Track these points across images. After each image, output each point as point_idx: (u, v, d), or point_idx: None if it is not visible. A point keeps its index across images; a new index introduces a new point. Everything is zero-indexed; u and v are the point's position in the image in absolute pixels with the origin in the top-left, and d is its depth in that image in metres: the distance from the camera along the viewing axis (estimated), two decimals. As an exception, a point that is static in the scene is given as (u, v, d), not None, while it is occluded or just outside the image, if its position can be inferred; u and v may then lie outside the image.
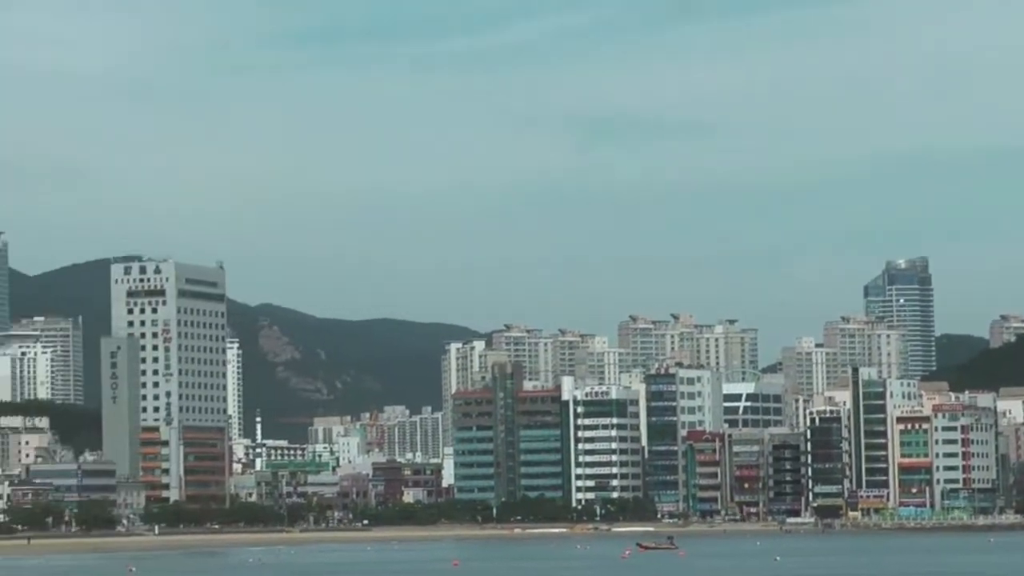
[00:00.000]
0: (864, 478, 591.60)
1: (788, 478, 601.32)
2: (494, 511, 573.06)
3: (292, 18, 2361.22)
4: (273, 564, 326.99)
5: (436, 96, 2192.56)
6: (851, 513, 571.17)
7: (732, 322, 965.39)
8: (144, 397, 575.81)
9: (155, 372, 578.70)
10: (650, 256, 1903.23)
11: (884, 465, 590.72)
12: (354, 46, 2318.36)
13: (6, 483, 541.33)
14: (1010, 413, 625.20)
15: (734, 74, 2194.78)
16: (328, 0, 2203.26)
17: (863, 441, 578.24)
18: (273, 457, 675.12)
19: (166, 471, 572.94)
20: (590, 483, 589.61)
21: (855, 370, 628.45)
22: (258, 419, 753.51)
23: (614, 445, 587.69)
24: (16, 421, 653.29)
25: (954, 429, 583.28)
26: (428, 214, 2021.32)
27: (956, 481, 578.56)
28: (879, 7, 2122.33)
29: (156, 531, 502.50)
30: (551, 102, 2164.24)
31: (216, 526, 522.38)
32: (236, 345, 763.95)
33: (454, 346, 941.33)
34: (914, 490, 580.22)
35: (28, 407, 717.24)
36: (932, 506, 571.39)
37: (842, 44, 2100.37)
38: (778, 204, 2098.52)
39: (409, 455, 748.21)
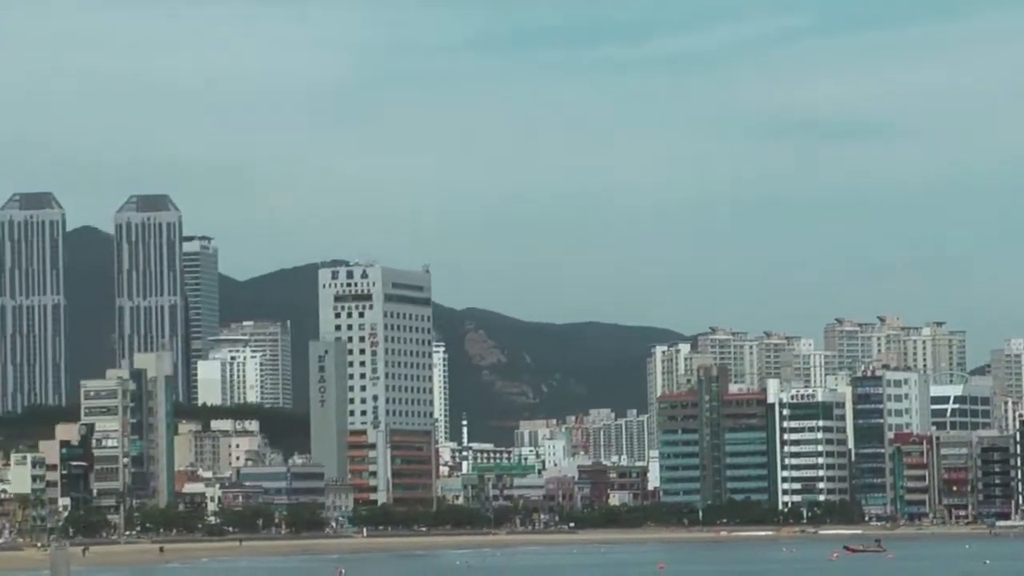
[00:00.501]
0: None
1: (997, 481, 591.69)
2: (700, 514, 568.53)
3: (478, 23, 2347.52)
4: (480, 567, 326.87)
5: (631, 101, 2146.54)
6: None
7: (940, 324, 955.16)
8: (351, 400, 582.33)
9: (362, 376, 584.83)
10: (854, 258, 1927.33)
11: None
12: (543, 52, 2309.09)
13: (217, 485, 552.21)
14: None
15: (936, 77, 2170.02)
16: (512, 6, 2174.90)
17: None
18: (479, 460, 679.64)
19: (373, 474, 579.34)
20: (796, 485, 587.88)
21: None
22: (464, 422, 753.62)
23: (820, 448, 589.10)
24: (226, 424, 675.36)
25: None
26: (633, 219, 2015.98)
27: None
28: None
29: (364, 533, 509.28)
30: (754, 106, 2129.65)
31: (423, 528, 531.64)
32: (442, 349, 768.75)
33: (659, 349, 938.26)
34: None
35: (238, 411, 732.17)
36: None
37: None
38: (984, 205, 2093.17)
39: (614, 458, 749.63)
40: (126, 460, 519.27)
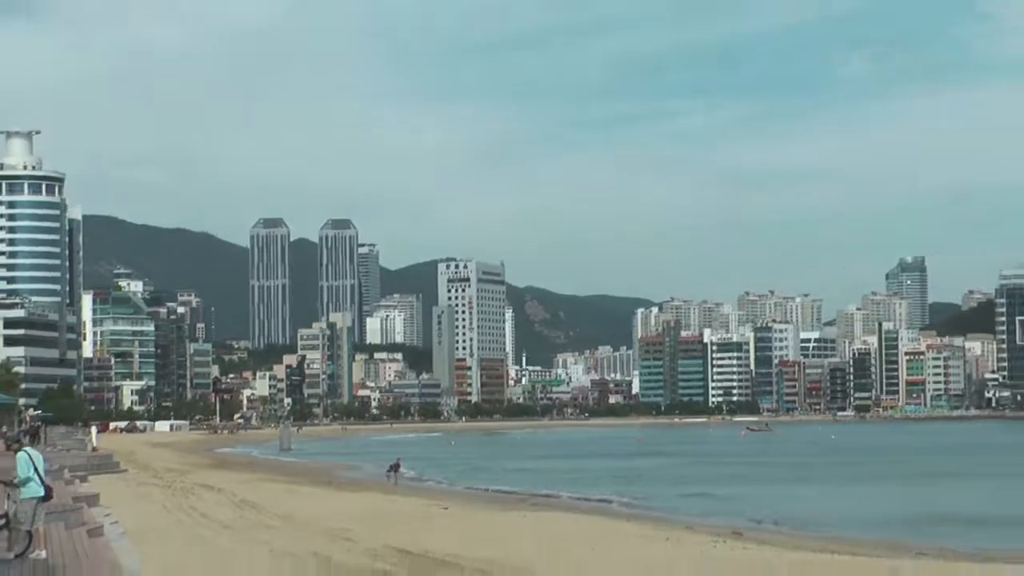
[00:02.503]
0: (885, 388, 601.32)
1: (839, 390, 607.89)
2: (663, 408, 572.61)
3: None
4: (532, 439, 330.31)
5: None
6: (877, 409, 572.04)
7: (806, 295, 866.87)
8: (457, 341, 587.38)
9: (463, 327, 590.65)
10: (764, 259, 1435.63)
11: (896, 380, 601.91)
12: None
13: (377, 391, 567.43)
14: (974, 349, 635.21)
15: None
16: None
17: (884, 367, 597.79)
18: (532, 376, 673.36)
19: (470, 384, 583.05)
20: (720, 391, 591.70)
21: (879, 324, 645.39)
22: (523, 354, 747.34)
23: (735, 369, 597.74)
24: (383, 355, 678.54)
25: (939, 359, 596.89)
26: (635, 237, 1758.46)
27: (940, 390, 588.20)
28: None
29: (464, 420, 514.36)
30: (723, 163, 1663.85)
31: (499, 417, 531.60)
32: (511, 311, 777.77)
33: (640, 311, 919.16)
34: (915, 395, 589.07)
35: (390, 348, 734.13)
36: (925, 405, 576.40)
37: None
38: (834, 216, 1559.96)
39: (612, 375, 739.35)
40: (324, 376, 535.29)
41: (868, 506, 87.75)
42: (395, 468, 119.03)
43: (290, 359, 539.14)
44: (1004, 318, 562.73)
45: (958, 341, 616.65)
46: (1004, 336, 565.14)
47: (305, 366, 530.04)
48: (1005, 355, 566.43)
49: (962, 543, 57.05)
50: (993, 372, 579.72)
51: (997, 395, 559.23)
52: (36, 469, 28.82)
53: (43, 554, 27.69)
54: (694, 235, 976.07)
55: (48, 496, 29.79)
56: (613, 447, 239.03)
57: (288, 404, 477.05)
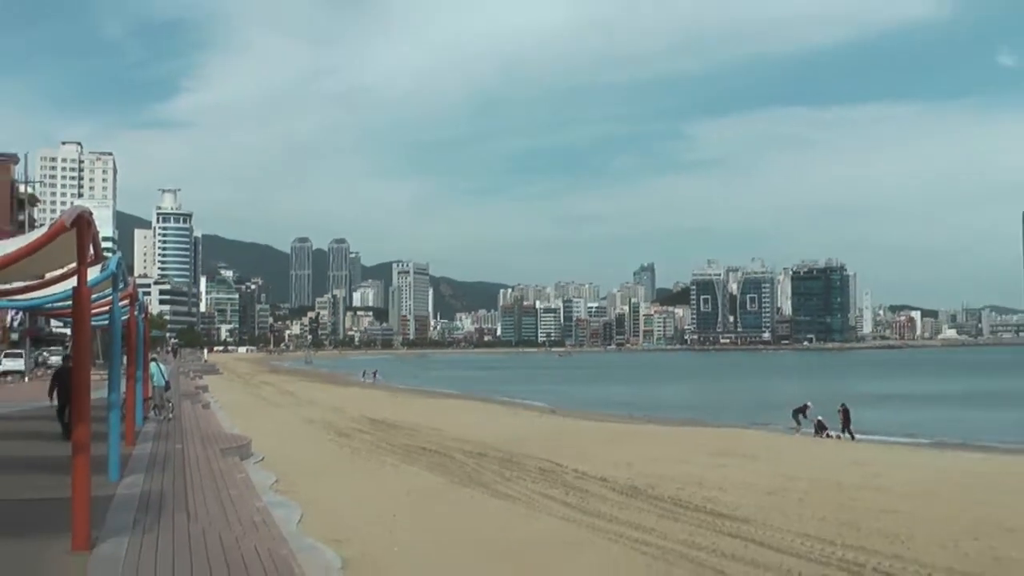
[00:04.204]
0: (632, 333, 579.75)
1: (609, 334, 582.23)
2: (514, 343, 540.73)
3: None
4: (443, 359, 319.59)
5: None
6: (628, 345, 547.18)
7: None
8: (403, 305, 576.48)
9: (406, 298, 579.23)
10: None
11: (639, 330, 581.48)
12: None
13: (358, 333, 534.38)
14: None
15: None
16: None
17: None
18: (442, 326, 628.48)
19: (409, 329, 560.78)
20: (544, 334, 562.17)
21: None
22: (439, 313, 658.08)
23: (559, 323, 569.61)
24: (362, 313, 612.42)
25: (661, 319, 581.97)
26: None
27: (661, 335, 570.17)
28: None
29: (406, 349, 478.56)
30: None
31: (426, 348, 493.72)
32: (431, 290, 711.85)
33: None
34: (648, 338, 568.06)
35: (365, 309, 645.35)
36: (653, 343, 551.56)
37: None
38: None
39: (488, 325, 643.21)
40: (329, 324, 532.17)
41: (615, 394, 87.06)
42: (374, 374, 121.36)
43: (312, 314, 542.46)
44: (695, 297, 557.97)
45: (671, 309, 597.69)
46: (695, 307, 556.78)
47: (319, 318, 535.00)
48: (695, 317, 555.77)
49: (652, 414, 57.27)
50: (689, 325, 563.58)
51: (690, 338, 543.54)
52: (161, 372, 32.00)
53: (171, 416, 30.22)
54: (535, 249, 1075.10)
55: (168, 386, 33.20)
56: (484, 364, 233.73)
57: (310, 339, 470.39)
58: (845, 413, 44.55)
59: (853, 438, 42.24)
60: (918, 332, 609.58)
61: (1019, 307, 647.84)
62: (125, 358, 25.60)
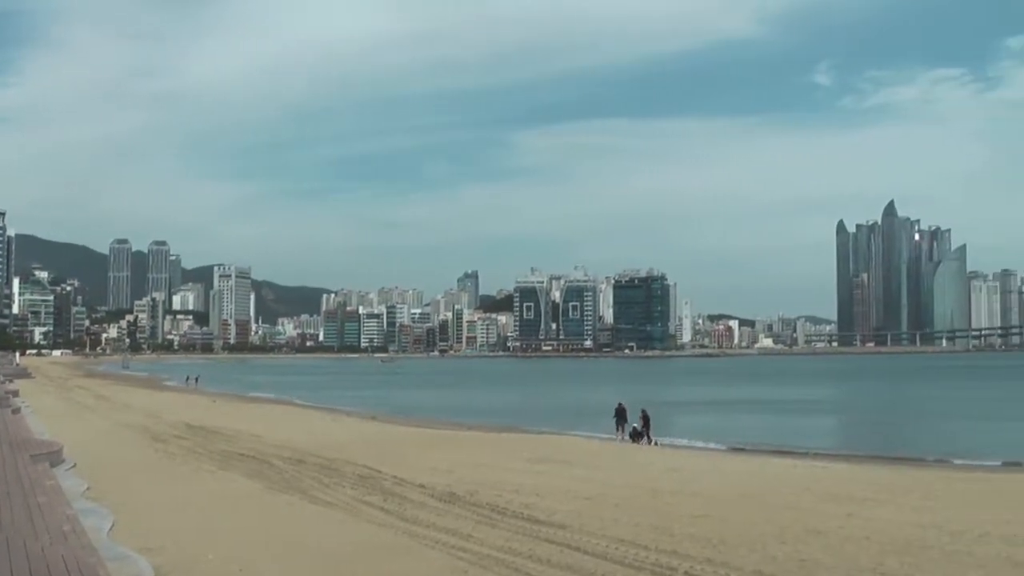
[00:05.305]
0: (455, 339, 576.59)
1: (432, 340, 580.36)
2: (336, 349, 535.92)
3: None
4: (264, 363, 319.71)
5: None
6: (451, 352, 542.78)
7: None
8: (224, 309, 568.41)
9: (227, 302, 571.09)
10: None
11: (462, 336, 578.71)
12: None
13: (177, 336, 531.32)
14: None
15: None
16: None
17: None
18: (264, 331, 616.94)
19: (230, 333, 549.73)
20: (367, 340, 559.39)
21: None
22: (260, 318, 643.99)
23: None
24: (182, 316, 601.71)
25: (484, 325, 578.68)
26: None
27: (484, 342, 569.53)
28: None
29: (226, 353, 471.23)
30: None
31: (247, 352, 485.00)
32: (254, 294, 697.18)
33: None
34: (471, 344, 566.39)
35: (185, 312, 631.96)
36: (476, 349, 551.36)
37: None
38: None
39: (310, 330, 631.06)
40: (148, 327, 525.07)
41: (437, 401, 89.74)
42: (196, 379, 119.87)
43: (130, 317, 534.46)
44: (518, 304, 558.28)
45: (494, 316, 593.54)
46: (518, 314, 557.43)
47: (138, 321, 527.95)
48: (518, 324, 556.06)
49: (456, 419, 57.91)
50: (512, 332, 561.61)
51: (512, 345, 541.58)
52: None
53: None
54: (358, 255, 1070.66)
55: None
56: (306, 369, 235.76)
57: (128, 342, 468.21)
58: (645, 419, 44.99)
59: (651, 442, 43.18)
60: (736, 341, 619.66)
61: (831, 317, 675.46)
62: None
